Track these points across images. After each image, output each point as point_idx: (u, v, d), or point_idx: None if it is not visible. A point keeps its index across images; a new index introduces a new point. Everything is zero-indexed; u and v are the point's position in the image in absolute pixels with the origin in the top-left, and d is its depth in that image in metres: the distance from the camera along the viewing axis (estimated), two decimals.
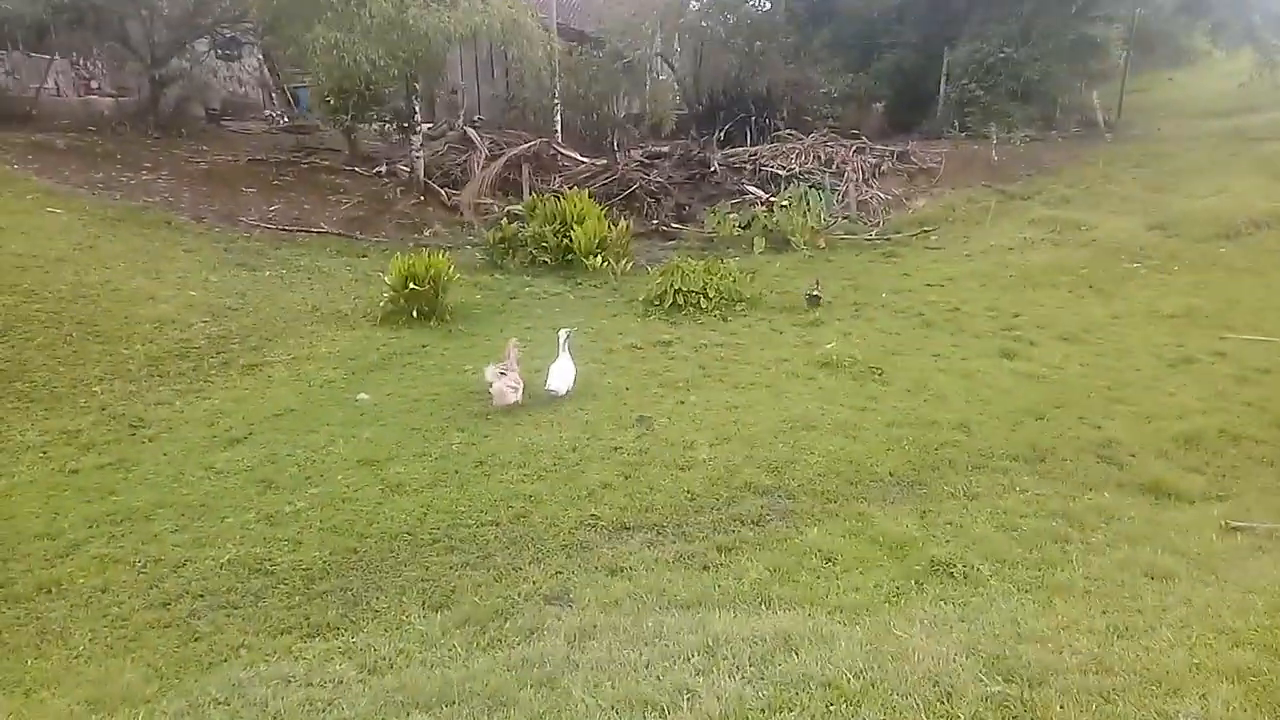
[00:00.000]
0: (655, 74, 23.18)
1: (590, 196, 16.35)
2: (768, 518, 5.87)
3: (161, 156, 15.35)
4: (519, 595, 4.97)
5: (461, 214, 15.67)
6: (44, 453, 7.09)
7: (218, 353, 9.09)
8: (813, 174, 17.88)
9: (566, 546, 5.57)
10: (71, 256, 10.37)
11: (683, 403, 7.91)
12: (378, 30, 11.93)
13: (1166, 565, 4.68)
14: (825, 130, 19.94)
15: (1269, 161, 15.53)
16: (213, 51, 20.18)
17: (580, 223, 12.53)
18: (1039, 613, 4.20)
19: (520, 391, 7.88)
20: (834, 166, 18.14)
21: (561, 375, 8.07)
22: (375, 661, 4.23)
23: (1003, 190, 16.55)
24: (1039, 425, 7.31)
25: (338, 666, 4.22)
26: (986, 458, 6.72)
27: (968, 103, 21.28)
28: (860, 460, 6.70)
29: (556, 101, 18.54)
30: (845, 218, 16.52)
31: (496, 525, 5.85)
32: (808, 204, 15.13)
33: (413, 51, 12.53)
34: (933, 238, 14.79)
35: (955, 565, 4.90)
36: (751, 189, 17.46)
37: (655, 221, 16.38)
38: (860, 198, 17.18)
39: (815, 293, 11.32)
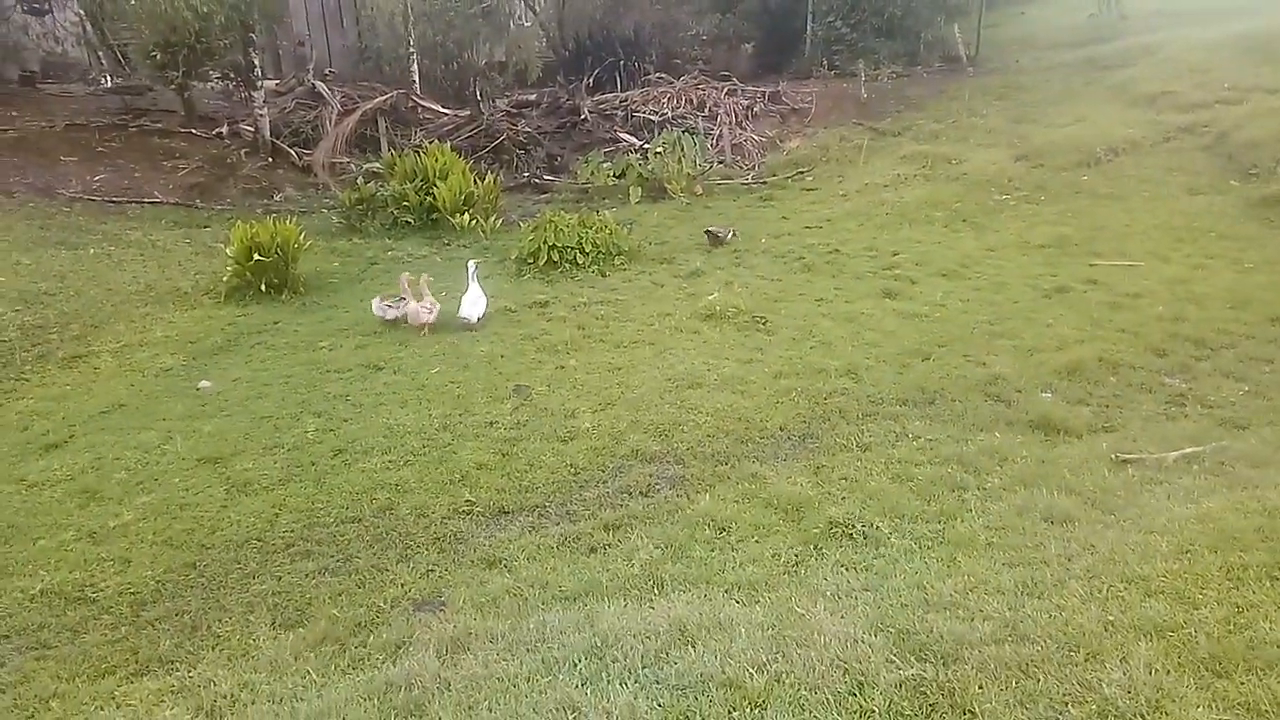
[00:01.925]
0: (519, 19, 22.12)
1: (454, 150, 15.57)
2: (657, 487, 5.50)
3: None
4: (385, 602, 4.44)
5: (315, 175, 14.56)
6: None
7: (33, 345, 8.03)
8: (686, 118, 17.44)
9: (438, 539, 5.05)
10: None
11: (562, 368, 7.42)
12: None
13: (1065, 507, 4.53)
14: (696, 73, 19.45)
15: (1122, 89, 15.98)
16: (18, 6, 18.00)
17: (443, 179, 11.73)
18: (945, 572, 3.96)
19: (435, 313, 8.31)
20: (706, 110, 17.74)
21: (473, 303, 8.36)
22: (214, 701, 3.64)
23: (874, 128, 16.50)
24: (926, 366, 7.17)
25: (169, 711, 3.63)
26: (877, 404, 6.52)
27: (835, 41, 21.18)
28: (749, 416, 6.39)
29: (412, 50, 17.37)
30: (720, 162, 16.19)
31: (359, 522, 5.28)
32: (682, 150, 14.68)
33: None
34: (808, 179, 14.62)
35: (854, 525, 4.65)
36: (625, 136, 16.90)
37: (526, 174, 15.64)
38: (734, 141, 16.87)
39: (718, 230, 10.99)
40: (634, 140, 16.50)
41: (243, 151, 14.71)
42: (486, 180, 12.40)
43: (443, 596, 4.42)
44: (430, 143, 14.76)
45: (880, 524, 4.66)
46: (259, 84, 14.60)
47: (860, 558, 4.33)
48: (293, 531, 5.19)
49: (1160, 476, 4.94)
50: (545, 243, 9.95)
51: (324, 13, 20.37)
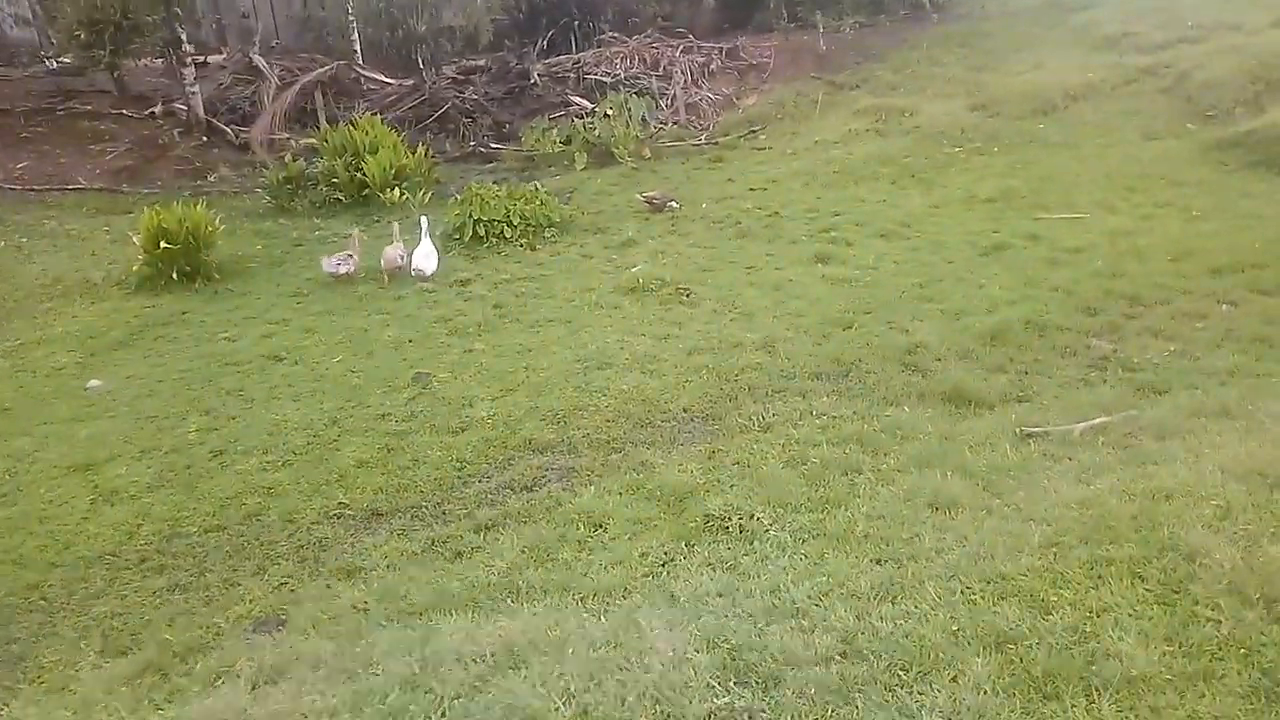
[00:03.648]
0: None
1: (399, 121, 15.10)
2: (544, 480, 5.21)
3: None
4: (226, 622, 4.17)
5: (253, 153, 14.08)
6: None
7: None
8: (639, 79, 16.91)
9: (301, 548, 4.77)
10: None
11: (469, 351, 7.10)
12: None
13: (952, 492, 4.23)
14: (651, 32, 18.85)
15: (1083, 32, 15.47)
16: None
17: (374, 153, 11.29)
18: (808, 572, 3.67)
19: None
20: (661, 70, 17.20)
21: (427, 257, 8.67)
22: None
23: (831, 81, 16.01)
24: (846, 336, 6.85)
25: None
26: (788, 379, 6.20)
27: None
28: (654, 398, 6.08)
29: (353, 19, 16.79)
30: (675, 123, 15.71)
31: (223, 530, 4.99)
32: (630, 112, 14.21)
33: None
34: (761, 137, 14.19)
35: (733, 518, 4.34)
36: (576, 99, 16.37)
37: (473, 143, 15.16)
38: (689, 101, 16.36)
39: (656, 196, 10.60)
40: (585, 104, 15.98)
41: (176, 132, 14.23)
42: (418, 152, 11.95)
43: (284, 614, 4.14)
44: (373, 114, 14.32)
45: (762, 515, 4.36)
46: (189, 60, 14.06)
47: (730, 554, 4.04)
48: (150, 544, 4.91)
49: (1062, 452, 4.64)
50: (470, 216, 9.56)
51: None
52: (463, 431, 5.84)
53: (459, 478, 5.33)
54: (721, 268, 8.61)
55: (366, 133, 11.69)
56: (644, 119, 14.39)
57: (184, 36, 13.88)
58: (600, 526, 4.54)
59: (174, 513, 5.19)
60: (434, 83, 15.77)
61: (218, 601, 4.35)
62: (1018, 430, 4.97)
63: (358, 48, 16.91)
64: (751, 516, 4.34)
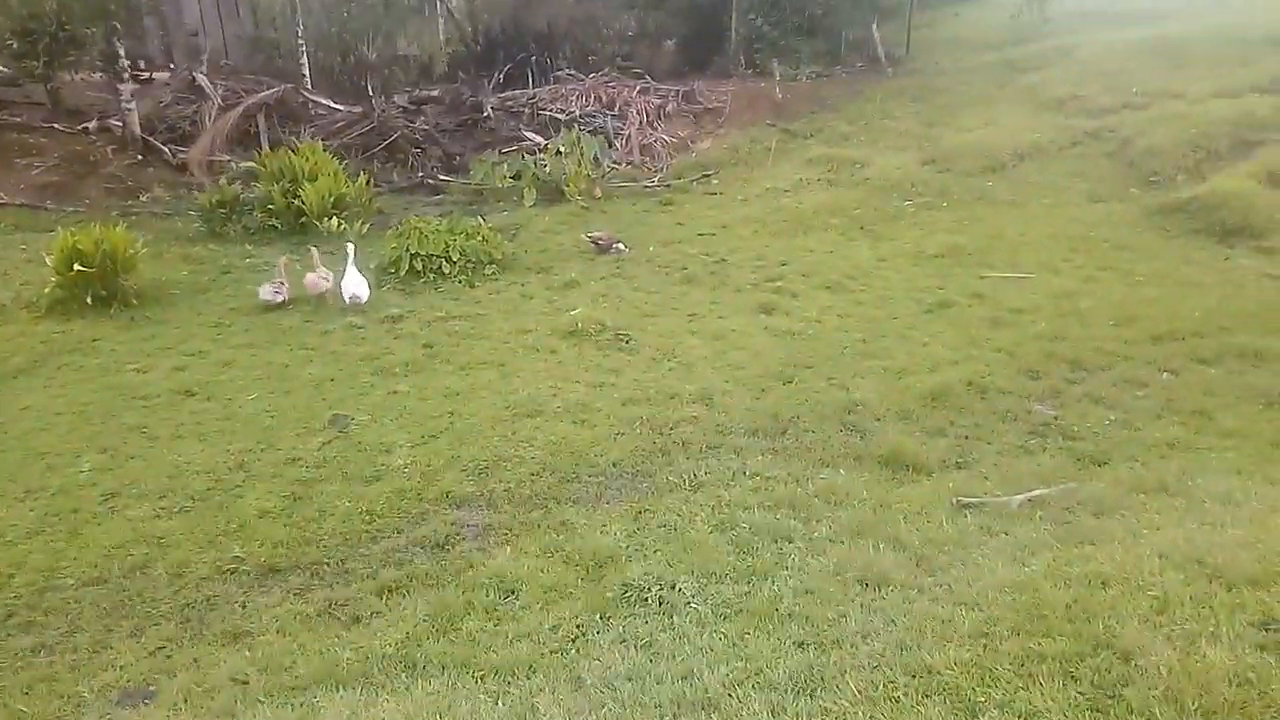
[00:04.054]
0: (429, 11, 21.29)
1: (346, 148, 14.77)
2: (458, 538, 4.89)
3: None
4: (91, 691, 3.78)
5: (191, 174, 13.63)
6: None
7: None
8: (594, 117, 16.84)
9: (186, 607, 4.38)
10: None
11: (394, 393, 6.77)
12: None
13: (884, 567, 4.01)
14: (608, 71, 18.83)
15: (1032, 92, 15.76)
16: None
17: (313, 180, 10.94)
18: (726, 653, 3.41)
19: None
20: (617, 109, 17.15)
21: (359, 283, 8.44)
22: None
23: (786, 129, 16.07)
24: (785, 391, 6.66)
25: None
26: (724, 435, 5.98)
27: (756, 39, 20.74)
28: (584, 450, 5.81)
29: (302, 42, 16.48)
30: (629, 163, 15.62)
31: (103, 584, 4.58)
32: (581, 151, 14.06)
33: None
34: (713, 182, 14.11)
35: (653, 588, 4.06)
36: (529, 135, 16.22)
37: (420, 174, 14.88)
38: (644, 141, 16.30)
39: (601, 237, 10.39)
40: (538, 140, 15.81)
41: (109, 149, 13.72)
42: (359, 181, 11.64)
43: (155, 685, 3.76)
44: (318, 140, 13.99)
45: (685, 585, 4.09)
46: (127, 76, 13.61)
47: (647, 630, 3.76)
48: (20, 598, 4.48)
49: (999, 525, 4.46)
50: (407, 250, 9.25)
51: (219, 2, 19.34)
52: (376, 481, 5.50)
53: (367, 532, 4.99)
54: (664, 314, 8.41)
55: (307, 159, 11.34)
56: (596, 158, 14.22)
57: (122, 51, 13.41)
58: (512, 593, 4.23)
59: (52, 562, 4.76)
60: (384, 111, 15.47)
61: (85, 667, 3.95)
62: (955, 500, 4.79)
63: (307, 72, 16.58)
64: (674, 586, 4.07)
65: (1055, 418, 6.07)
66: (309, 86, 16.40)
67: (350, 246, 8.65)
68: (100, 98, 15.73)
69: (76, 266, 8.24)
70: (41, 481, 5.57)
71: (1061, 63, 17.19)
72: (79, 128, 14.14)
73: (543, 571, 4.39)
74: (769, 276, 9.44)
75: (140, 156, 13.71)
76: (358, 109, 15.87)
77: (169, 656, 3.99)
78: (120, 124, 13.95)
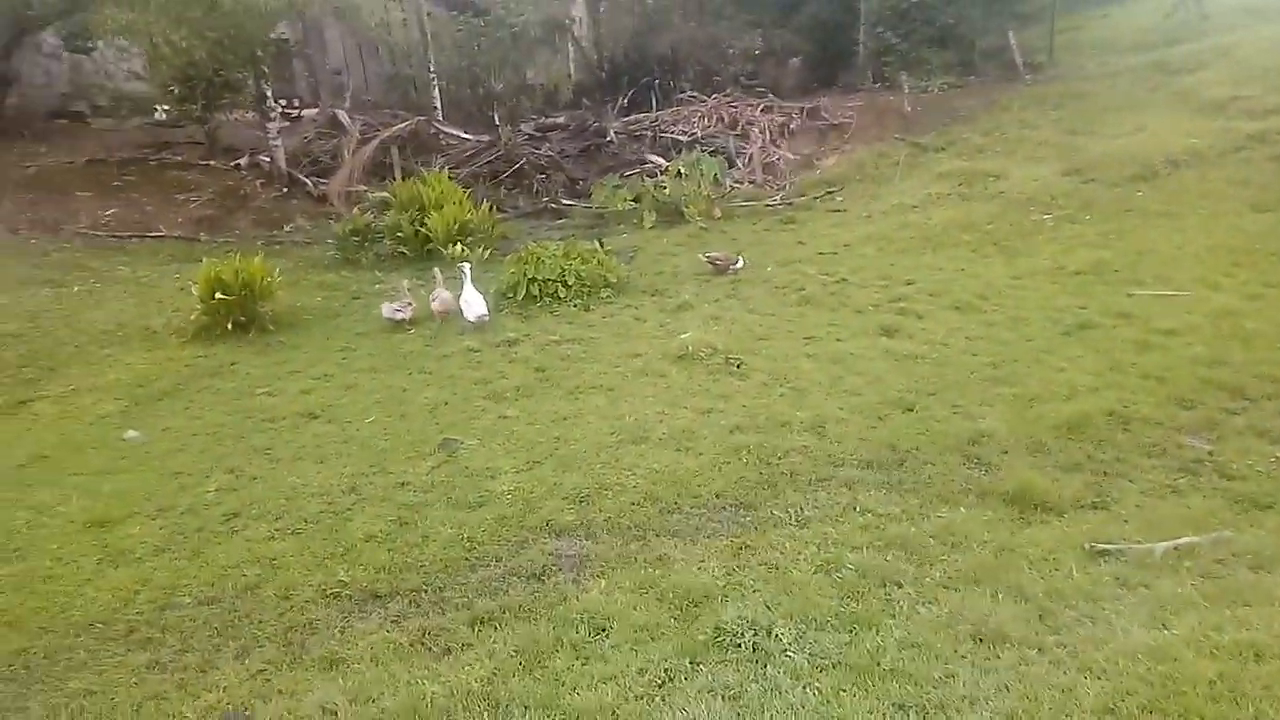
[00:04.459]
0: (556, 41, 21.80)
1: (474, 176, 15.23)
2: (554, 569, 4.80)
3: None
4: (194, 713, 3.87)
5: (331, 205, 14.35)
6: None
7: None
8: (716, 138, 16.75)
9: (290, 630, 4.46)
10: None
11: (503, 417, 6.80)
12: (174, 7, 10.55)
13: (1002, 621, 3.67)
14: (730, 90, 18.70)
15: (1188, 94, 14.59)
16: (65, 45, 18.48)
17: (439, 208, 11.28)
18: (816, 714, 3.19)
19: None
20: (739, 128, 17.01)
21: (478, 302, 8.69)
22: None
23: (915, 143, 15.48)
24: (904, 419, 6.29)
25: None
26: (835, 466, 5.68)
27: (885, 52, 20.18)
28: (687, 480, 5.64)
29: (433, 76, 17.14)
30: (751, 182, 15.43)
31: (215, 604, 4.73)
32: (701, 171, 13.97)
33: (224, 30, 11.15)
34: (837, 199, 13.73)
35: (748, 632, 3.85)
36: (651, 157, 16.29)
37: (545, 199, 15.15)
38: (766, 160, 16.08)
39: (719, 257, 10.25)
40: (661, 161, 15.85)
41: (258, 183, 14.63)
42: (482, 208, 11.92)
43: (251, 711, 3.82)
44: (449, 169, 14.48)
45: (782, 631, 3.87)
46: (273, 114, 14.50)
47: (738, 679, 3.56)
48: (142, 614, 4.68)
49: (1138, 577, 4.01)
50: (525, 275, 9.37)
51: (360, 43, 20.42)
52: (480, 507, 5.50)
53: (467, 560, 4.97)
54: (778, 337, 8.15)
55: (434, 188, 11.71)
56: (716, 178, 14.10)
57: (270, 92, 14.30)
58: (602, 631, 4.10)
59: (174, 580, 4.97)
60: (510, 139, 15.86)
61: (191, 687, 4.06)
62: (1088, 545, 4.35)
63: (438, 104, 17.22)
64: (770, 632, 3.85)
65: (1210, 453, 5.46)
66: (440, 118, 17.01)
67: (466, 267, 8.94)
68: (253, 136, 16.87)
69: (218, 295, 8.75)
70: (173, 500, 5.86)
71: (1220, 63, 15.88)
72: (232, 164, 15.18)
73: (635, 609, 4.25)
74: (892, 297, 9.03)
75: (285, 189, 14.56)
76: (486, 138, 16.35)
77: (268, 680, 4.06)
78: (268, 159, 14.87)
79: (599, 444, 6.22)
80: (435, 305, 8.90)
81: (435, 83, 17.25)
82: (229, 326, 8.96)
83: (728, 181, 15.04)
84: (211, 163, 15.17)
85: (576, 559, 4.90)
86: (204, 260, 10.80)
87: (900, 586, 4.18)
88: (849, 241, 11.35)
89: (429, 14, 18.56)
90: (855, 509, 5.09)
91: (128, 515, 5.70)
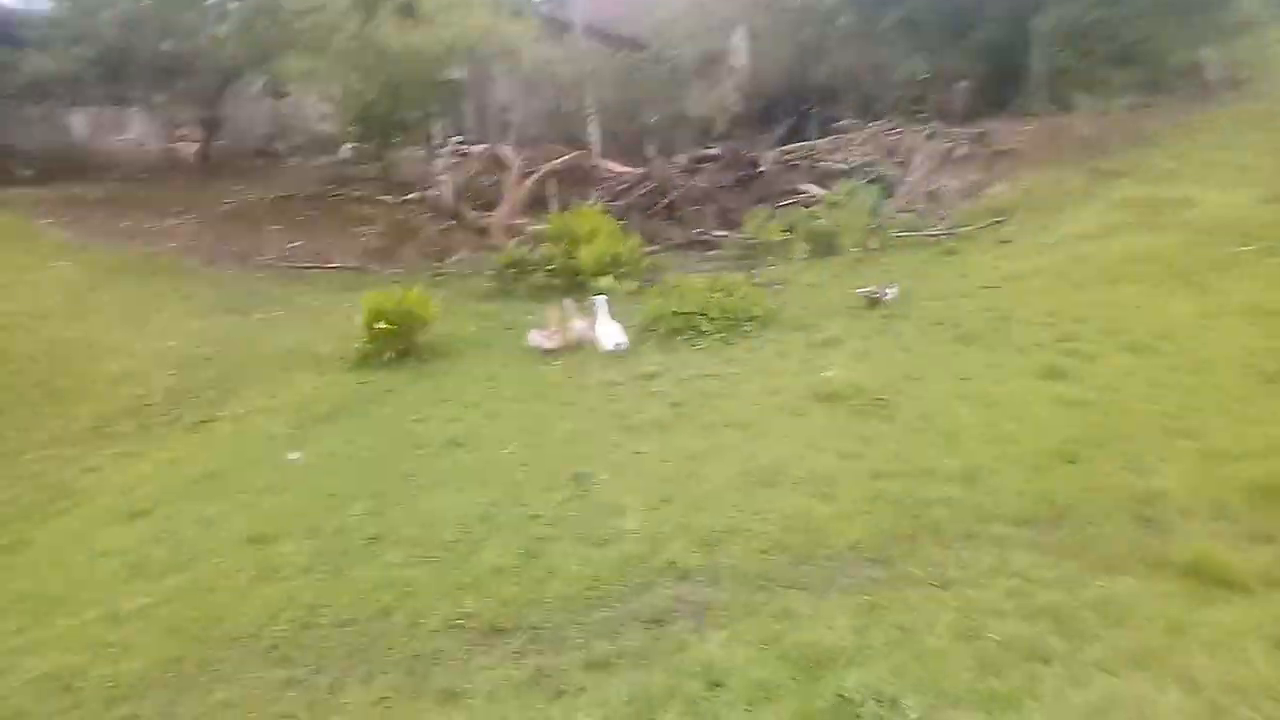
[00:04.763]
0: (712, 73, 21.94)
1: (628, 208, 15.48)
2: (674, 615, 4.67)
3: (193, 200, 15.32)
4: None
5: (492, 237, 14.94)
6: None
7: (171, 409, 8.57)
8: (875, 166, 16.29)
9: (414, 659, 4.55)
10: (57, 312, 10.18)
11: (638, 452, 6.76)
12: (350, 54, 11.31)
13: (1163, 715, 3.24)
14: (892, 117, 18.17)
15: None
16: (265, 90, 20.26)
17: (589, 241, 11.50)
18: None
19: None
20: (900, 156, 16.48)
21: (616, 331, 9.03)
22: None
23: (1094, 168, 14.47)
24: (1066, 472, 5.77)
25: None
26: (984, 521, 5.27)
27: (1061, 73, 19.05)
28: (822, 527, 5.38)
29: (590, 111, 17.60)
30: (912, 212, 14.87)
31: (350, 626, 4.90)
32: (859, 200, 13.58)
33: (393, 74, 11.85)
34: (1005, 229, 12.99)
35: (869, 703, 3.60)
36: (806, 187, 16.05)
37: (697, 231, 15.18)
38: (928, 189, 15.47)
39: (875, 291, 9.91)
40: (816, 191, 15.60)
41: (427, 216, 15.44)
42: (631, 240, 12.04)
43: None
44: (605, 202, 14.81)
45: (909, 704, 3.58)
46: (441, 152, 15.30)
47: None
48: (285, 631, 4.91)
49: None
50: (668, 308, 9.36)
51: (525, 81, 21.26)
52: (606, 544, 5.45)
53: (589, 599, 4.92)
54: (930, 377, 7.72)
55: (586, 221, 11.95)
56: (873, 208, 13.67)
57: (439, 131, 15.10)
58: (718, 685, 3.94)
59: (316, 599, 5.19)
60: (662, 172, 16.02)
61: (319, 709, 4.20)
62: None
63: (596, 138, 17.66)
64: (895, 704, 3.58)
65: None
66: (598, 152, 17.43)
67: (601, 299, 9.23)
68: (424, 172, 17.88)
69: (379, 324, 9.22)
70: (322, 521, 6.16)
71: None
72: (403, 199, 16.11)
73: (755, 665, 4.05)
74: (1060, 335, 8.38)
75: (451, 222, 15.29)
76: (641, 171, 16.59)
77: (388, 708, 4.14)
78: (436, 194, 15.68)
79: (731, 484, 6.06)
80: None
81: (593, 118, 17.69)
82: (388, 355, 9.42)
83: (889, 210, 14.58)
84: (385, 198, 16.15)
85: (699, 606, 4.76)
86: (368, 291, 11.52)
87: (1048, 663, 3.79)
88: (1015, 274, 10.68)
89: (589, 52, 19.10)
90: (1003, 571, 4.69)
91: (283, 533, 6.02)
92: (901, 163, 16.33)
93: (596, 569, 5.18)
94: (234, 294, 11.72)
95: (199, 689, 4.47)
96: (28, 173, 14.80)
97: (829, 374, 7.67)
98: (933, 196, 15.19)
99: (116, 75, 16.98)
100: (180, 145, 21.77)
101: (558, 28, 20.83)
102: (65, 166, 17.28)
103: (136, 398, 8.67)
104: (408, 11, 12.73)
